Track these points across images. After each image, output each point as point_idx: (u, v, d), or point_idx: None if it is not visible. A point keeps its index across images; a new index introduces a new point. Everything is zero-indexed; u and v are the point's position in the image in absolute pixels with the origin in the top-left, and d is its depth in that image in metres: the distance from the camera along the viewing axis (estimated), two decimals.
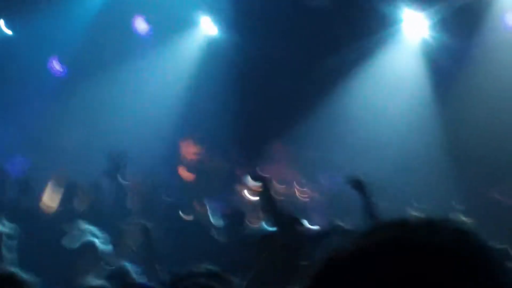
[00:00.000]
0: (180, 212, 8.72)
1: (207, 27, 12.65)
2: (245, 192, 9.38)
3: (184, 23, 12.50)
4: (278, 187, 10.07)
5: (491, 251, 1.09)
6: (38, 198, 8.90)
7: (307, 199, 10.42)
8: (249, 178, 7.73)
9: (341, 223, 6.91)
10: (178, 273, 4.09)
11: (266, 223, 6.21)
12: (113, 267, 5.14)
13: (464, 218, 7.19)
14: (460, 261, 1.06)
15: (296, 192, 10.47)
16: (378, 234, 1.10)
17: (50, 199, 9.13)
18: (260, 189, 6.54)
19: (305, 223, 8.11)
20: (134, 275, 4.87)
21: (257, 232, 6.37)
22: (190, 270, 4.10)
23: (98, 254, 6.14)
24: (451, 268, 1.04)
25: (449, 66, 11.55)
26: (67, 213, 8.47)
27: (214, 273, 3.95)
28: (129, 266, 5.03)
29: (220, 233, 7.80)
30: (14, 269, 3.58)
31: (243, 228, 7.52)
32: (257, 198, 7.53)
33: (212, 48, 12.44)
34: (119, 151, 8.27)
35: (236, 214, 8.02)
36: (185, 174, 10.56)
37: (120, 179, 8.31)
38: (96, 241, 6.29)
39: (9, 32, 12.63)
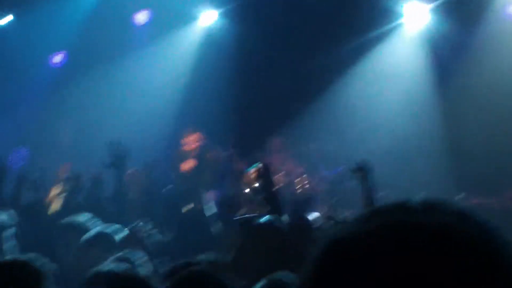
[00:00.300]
0: (179, 203, 8.71)
1: (206, 20, 12.63)
2: (245, 180, 9.35)
3: (183, 16, 12.48)
4: (278, 177, 10.06)
5: (493, 230, 1.10)
6: (39, 191, 8.89)
7: (307, 190, 10.40)
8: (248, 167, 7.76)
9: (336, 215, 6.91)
10: (176, 263, 4.10)
11: (265, 211, 6.18)
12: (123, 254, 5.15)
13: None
14: (463, 241, 1.06)
15: (296, 183, 10.44)
16: (378, 217, 1.10)
17: (55, 193, 9.15)
18: (259, 174, 6.52)
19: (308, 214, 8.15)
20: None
21: (253, 220, 6.35)
22: (187, 260, 4.10)
23: (112, 244, 6.14)
24: (454, 249, 1.05)
25: (450, 57, 11.52)
26: (69, 206, 8.47)
27: (211, 261, 3.96)
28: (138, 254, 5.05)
29: (216, 222, 7.78)
30: (27, 257, 3.56)
31: (237, 216, 7.48)
32: (256, 185, 7.51)
33: (211, 41, 12.43)
34: (119, 142, 8.22)
35: (231, 203, 7.99)
36: (185, 165, 10.55)
37: (120, 170, 8.27)
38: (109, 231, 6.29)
39: (5, 21, 12.59)
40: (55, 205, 8.83)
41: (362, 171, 6.30)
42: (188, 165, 10.47)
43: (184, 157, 10.69)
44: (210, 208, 8.39)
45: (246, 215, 7.38)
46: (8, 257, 3.55)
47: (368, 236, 1.07)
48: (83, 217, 6.67)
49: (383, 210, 1.12)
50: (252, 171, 8.55)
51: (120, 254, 5.21)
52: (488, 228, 1.10)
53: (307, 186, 10.40)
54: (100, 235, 6.08)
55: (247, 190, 9.24)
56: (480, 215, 1.11)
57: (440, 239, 1.05)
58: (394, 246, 1.05)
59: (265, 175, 6.32)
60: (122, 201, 8.12)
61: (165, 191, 9.27)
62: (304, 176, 10.52)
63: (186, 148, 10.80)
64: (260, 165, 6.54)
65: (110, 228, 6.31)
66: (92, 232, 6.16)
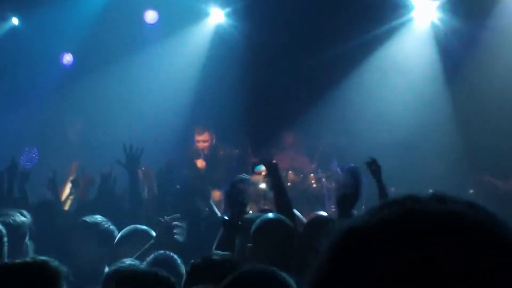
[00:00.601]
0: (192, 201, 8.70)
1: (216, 18, 12.63)
2: (254, 178, 9.35)
3: (193, 14, 12.48)
4: (290, 175, 10.06)
5: (502, 221, 1.11)
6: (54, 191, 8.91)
7: (319, 186, 10.40)
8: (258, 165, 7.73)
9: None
10: (195, 260, 4.13)
11: (272, 209, 6.18)
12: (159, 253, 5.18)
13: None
14: (476, 226, 1.07)
15: (308, 179, 10.44)
16: (391, 207, 1.11)
17: (67, 192, 9.18)
18: (267, 173, 6.52)
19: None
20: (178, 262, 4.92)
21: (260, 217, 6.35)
22: (207, 255, 4.12)
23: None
24: (467, 234, 1.05)
25: (459, 51, 11.50)
26: (82, 205, 8.49)
27: (227, 259, 3.98)
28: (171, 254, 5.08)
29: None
30: (45, 257, 3.60)
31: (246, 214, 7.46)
32: (265, 184, 7.51)
33: (221, 38, 12.42)
34: (132, 144, 8.25)
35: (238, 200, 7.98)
36: (198, 163, 10.55)
37: (134, 171, 8.30)
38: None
39: (16, 22, 12.63)
40: (67, 204, 8.87)
41: (375, 165, 6.28)
42: (200, 163, 10.48)
43: (196, 155, 10.70)
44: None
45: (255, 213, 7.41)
46: (28, 257, 3.60)
47: (382, 224, 1.08)
48: (99, 216, 6.72)
49: (395, 201, 1.12)
50: (260, 169, 8.57)
51: (160, 252, 5.25)
52: (498, 217, 1.11)
53: (319, 182, 10.40)
54: (136, 231, 6.10)
55: (258, 188, 9.26)
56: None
57: (453, 225, 1.06)
58: (408, 233, 1.06)
59: (272, 173, 6.31)
60: (137, 202, 8.14)
61: (176, 190, 9.26)
62: (315, 173, 10.52)
63: (198, 146, 10.81)
64: (267, 163, 6.53)
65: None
66: (129, 228, 6.19)
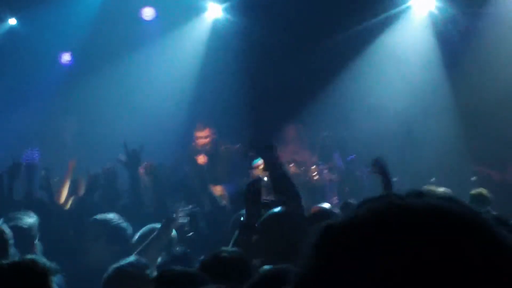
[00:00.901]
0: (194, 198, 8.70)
1: (214, 13, 12.60)
2: (256, 173, 9.34)
3: (190, 9, 12.46)
4: (291, 168, 10.05)
5: (480, 212, 1.12)
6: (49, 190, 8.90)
7: (321, 179, 10.40)
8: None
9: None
10: (205, 256, 4.13)
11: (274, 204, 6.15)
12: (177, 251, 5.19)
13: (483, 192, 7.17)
14: (454, 219, 1.08)
15: (310, 172, 10.44)
16: (369, 203, 1.13)
17: (66, 190, 9.17)
18: (264, 167, 6.49)
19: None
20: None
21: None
22: (217, 251, 4.13)
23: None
24: (445, 226, 1.07)
25: (457, 40, 11.49)
26: (85, 204, 8.47)
27: (236, 256, 3.99)
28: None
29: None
30: (34, 256, 3.62)
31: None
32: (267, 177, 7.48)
33: (219, 33, 12.40)
34: (134, 142, 8.24)
35: (239, 197, 7.96)
36: (200, 159, 10.54)
37: (135, 169, 8.28)
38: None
39: (13, 22, 12.62)
40: (67, 203, 8.85)
41: (381, 166, 6.16)
42: (201, 160, 10.46)
43: (197, 152, 10.69)
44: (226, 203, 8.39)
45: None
46: (16, 257, 3.64)
47: (360, 220, 1.10)
48: (112, 214, 6.71)
49: (374, 198, 1.14)
50: (257, 163, 8.55)
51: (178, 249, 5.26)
52: (475, 210, 1.12)
53: (320, 175, 10.39)
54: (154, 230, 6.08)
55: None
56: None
57: (430, 218, 1.07)
58: (386, 227, 1.07)
59: (269, 166, 6.27)
60: (137, 200, 8.13)
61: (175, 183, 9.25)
62: (317, 165, 10.51)
63: (199, 143, 10.79)
64: (263, 156, 6.49)
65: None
66: (148, 227, 6.18)
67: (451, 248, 1.05)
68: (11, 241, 4.98)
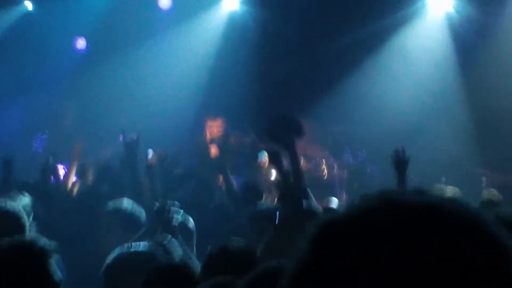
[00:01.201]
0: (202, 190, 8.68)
1: (229, 5, 12.58)
2: (263, 168, 9.34)
3: (206, 0, 12.44)
4: (302, 162, 10.02)
5: (479, 213, 1.11)
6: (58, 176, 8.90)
7: (331, 175, 10.38)
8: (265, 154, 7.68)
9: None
10: (212, 249, 4.11)
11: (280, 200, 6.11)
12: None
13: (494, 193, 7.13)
14: (453, 217, 1.08)
15: (320, 167, 10.42)
16: (368, 200, 1.12)
17: (73, 175, 9.14)
18: (273, 164, 6.45)
19: (332, 200, 8.10)
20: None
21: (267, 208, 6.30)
22: (224, 244, 4.11)
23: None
24: (443, 224, 1.06)
25: (474, 39, 11.43)
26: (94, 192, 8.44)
27: (244, 249, 3.97)
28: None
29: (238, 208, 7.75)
30: (33, 237, 3.59)
31: (257, 204, 7.41)
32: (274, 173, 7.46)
33: (235, 25, 12.38)
34: (131, 135, 8.15)
35: (251, 190, 7.94)
36: (212, 150, 10.53)
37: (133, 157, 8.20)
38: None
39: (29, 7, 12.63)
40: (74, 189, 8.82)
41: (402, 164, 6.02)
42: (214, 150, 10.46)
43: (207, 143, 10.68)
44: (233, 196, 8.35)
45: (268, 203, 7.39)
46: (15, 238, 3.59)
47: (357, 215, 1.10)
48: (126, 203, 6.64)
49: (373, 195, 1.13)
50: (264, 158, 8.53)
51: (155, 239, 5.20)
52: (475, 209, 1.12)
53: (330, 171, 10.38)
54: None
55: (266, 177, 9.24)
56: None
57: (426, 216, 1.07)
58: (381, 223, 1.07)
59: (276, 162, 6.22)
60: (138, 189, 8.04)
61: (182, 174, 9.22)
62: (327, 160, 10.49)
63: (210, 134, 10.79)
64: (269, 152, 6.44)
65: None
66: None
67: (448, 247, 1.04)
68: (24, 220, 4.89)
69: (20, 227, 4.73)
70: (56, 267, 3.34)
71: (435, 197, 1.11)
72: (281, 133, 5.85)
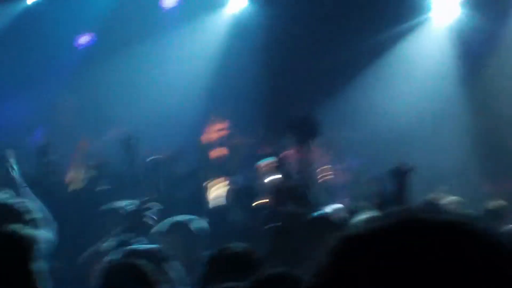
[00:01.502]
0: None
1: (234, 6, 12.55)
2: (262, 170, 9.30)
3: (211, 2, 12.43)
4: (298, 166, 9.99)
5: (495, 232, 1.12)
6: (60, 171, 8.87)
7: (334, 180, 10.34)
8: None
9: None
10: (211, 252, 4.07)
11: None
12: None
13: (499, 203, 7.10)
14: (476, 236, 1.08)
15: (322, 171, 10.37)
16: (390, 216, 1.13)
17: (76, 173, 9.12)
18: (275, 167, 6.44)
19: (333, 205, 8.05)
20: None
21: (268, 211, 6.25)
22: (222, 248, 4.06)
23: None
24: (467, 243, 1.07)
25: (480, 50, 11.41)
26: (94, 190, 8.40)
27: (245, 252, 3.93)
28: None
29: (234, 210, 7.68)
30: (14, 227, 3.55)
31: (252, 206, 7.35)
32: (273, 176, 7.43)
33: (240, 25, 12.36)
34: (130, 133, 8.12)
35: (246, 191, 7.88)
36: (213, 153, 10.48)
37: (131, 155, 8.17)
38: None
39: (30, 1, 12.58)
40: (75, 186, 8.79)
41: (402, 173, 6.02)
42: (216, 153, 10.40)
43: (211, 144, 10.64)
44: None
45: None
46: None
47: (380, 232, 1.11)
48: (123, 202, 6.57)
49: (394, 211, 1.14)
50: (265, 162, 8.50)
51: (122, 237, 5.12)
52: (494, 229, 1.12)
53: (332, 176, 10.33)
54: (176, 224, 5.85)
55: (266, 180, 9.20)
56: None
57: (451, 234, 1.08)
58: (405, 241, 1.08)
59: (281, 168, 6.23)
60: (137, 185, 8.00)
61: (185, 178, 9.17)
62: (329, 165, 10.45)
63: (213, 135, 10.73)
64: (276, 158, 6.45)
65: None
66: (169, 220, 5.93)
67: (470, 268, 1.05)
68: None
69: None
70: (40, 256, 3.29)
71: (457, 216, 1.12)
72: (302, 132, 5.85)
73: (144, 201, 6.03)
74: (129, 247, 4.47)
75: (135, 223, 5.66)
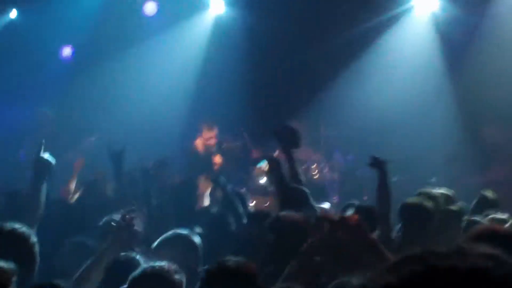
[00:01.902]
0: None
1: (216, 8, 12.55)
2: (257, 173, 9.33)
3: (193, 5, 12.42)
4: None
5: None
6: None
7: (323, 178, 10.38)
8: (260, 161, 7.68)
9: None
10: (209, 266, 4.03)
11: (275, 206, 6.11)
12: None
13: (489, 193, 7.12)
14: (501, 284, 1.05)
15: (312, 170, 10.42)
16: (409, 264, 1.08)
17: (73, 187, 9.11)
18: (269, 170, 6.46)
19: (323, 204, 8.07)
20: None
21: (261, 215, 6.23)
22: (221, 261, 4.03)
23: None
24: None
25: (460, 39, 11.45)
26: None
27: (243, 266, 3.90)
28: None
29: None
30: (15, 225, 3.58)
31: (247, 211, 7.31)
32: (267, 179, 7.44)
33: (222, 29, 12.36)
34: (117, 147, 8.05)
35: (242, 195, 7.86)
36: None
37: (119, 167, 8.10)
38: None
39: (14, 15, 12.56)
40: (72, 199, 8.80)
41: (379, 164, 6.08)
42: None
43: (199, 151, 10.66)
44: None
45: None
46: None
47: (403, 284, 1.05)
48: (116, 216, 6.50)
49: (413, 257, 1.09)
50: (262, 165, 8.53)
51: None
52: None
53: (321, 174, 10.38)
54: (179, 237, 5.72)
55: (259, 183, 9.23)
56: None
57: (476, 282, 1.03)
58: None
59: (275, 170, 6.25)
60: (123, 199, 7.91)
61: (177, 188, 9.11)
62: (318, 163, 10.49)
63: (207, 143, 10.73)
64: (270, 160, 6.48)
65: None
66: (171, 233, 5.80)
67: None
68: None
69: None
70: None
71: (480, 259, 1.08)
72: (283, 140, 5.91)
73: (127, 212, 5.92)
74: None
75: (121, 236, 5.59)
